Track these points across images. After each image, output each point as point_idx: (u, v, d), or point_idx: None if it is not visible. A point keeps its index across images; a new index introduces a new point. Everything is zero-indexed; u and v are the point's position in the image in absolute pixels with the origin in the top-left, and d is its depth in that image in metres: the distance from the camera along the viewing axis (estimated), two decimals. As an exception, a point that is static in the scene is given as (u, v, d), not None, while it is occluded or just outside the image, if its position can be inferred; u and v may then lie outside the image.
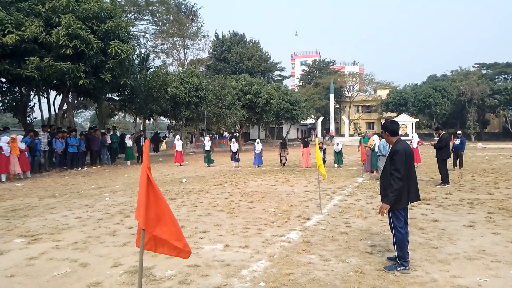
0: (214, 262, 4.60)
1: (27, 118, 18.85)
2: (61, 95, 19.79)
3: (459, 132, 16.11)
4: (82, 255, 4.98)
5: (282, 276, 4.10)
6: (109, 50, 16.22)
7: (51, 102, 21.28)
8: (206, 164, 18.15)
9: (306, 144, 16.65)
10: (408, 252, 4.30)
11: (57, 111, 20.73)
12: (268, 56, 54.63)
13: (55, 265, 4.61)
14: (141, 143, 20.48)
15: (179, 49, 47.13)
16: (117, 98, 24.73)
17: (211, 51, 53.20)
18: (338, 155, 16.58)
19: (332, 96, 51.21)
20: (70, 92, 19.50)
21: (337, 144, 16.86)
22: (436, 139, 11.55)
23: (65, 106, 20.40)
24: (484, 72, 60.88)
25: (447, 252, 4.84)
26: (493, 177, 12.35)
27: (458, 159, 14.95)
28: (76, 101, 23.21)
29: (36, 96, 20.53)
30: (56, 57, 15.24)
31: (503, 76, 61.48)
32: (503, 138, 51.92)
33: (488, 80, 53.83)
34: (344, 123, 54.36)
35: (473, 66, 62.34)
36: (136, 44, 21.79)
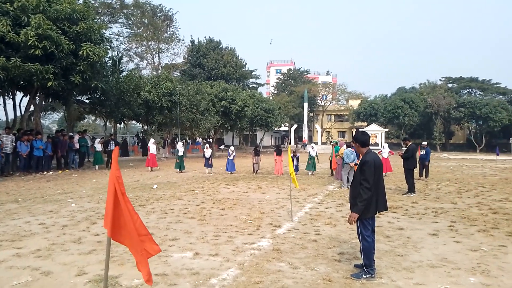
0: (183, 270, 4.54)
1: (-10, 119, 18.07)
2: (28, 97, 19.07)
3: (424, 142, 16.75)
4: (44, 263, 4.79)
5: (251, 284, 4.10)
6: (80, 52, 15.81)
7: (17, 103, 20.47)
8: (178, 170, 17.94)
9: (279, 152, 16.79)
10: (374, 260, 4.40)
11: (23, 113, 19.94)
12: (244, 63, 54.94)
13: (15, 273, 4.41)
14: (110, 147, 20.04)
15: (154, 53, 46.62)
16: (87, 101, 24.09)
17: (186, 56, 52.90)
18: (313, 160, 16.78)
19: (305, 104, 52.00)
20: (38, 94, 18.82)
21: (312, 148, 17.11)
22: (404, 149, 11.95)
23: (31, 108, 19.65)
24: (450, 85, 63.72)
25: (412, 260, 5.00)
26: (457, 186, 12.87)
27: (424, 169, 15.50)
28: (43, 103, 22.37)
29: (1, 97, 19.70)
30: (24, 57, 14.71)
31: (468, 90, 64.49)
32: (466, 149, 54.33)
33: (453, 93, 56.36)
34: (317, 131, 55.25)
35: (440, 80, 65.19)
36: (108, 47, 21.37)
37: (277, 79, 70.59)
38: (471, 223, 7.20)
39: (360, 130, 5.98)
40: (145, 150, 28.90)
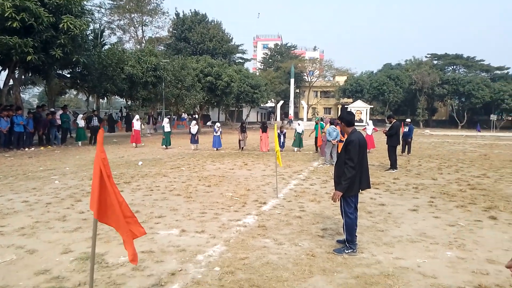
0: (169, 247, 4.60)
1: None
2: (7, 71, 18.42)
3: (408, 120, 17.01)
4: (29, 241, 4.78)
5: (237, 260, 4.19)
6: (60, 25, 15.24)
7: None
8: (164, 146, 17.83)
9: (264, 129, 16.80)
10: (356, 236, 4.54)
11: (1, 87, 19.30)
12: (230, 37, 53.95)
13: (0, 252, 4.40)
14: (93, 123, 19.66)
15: (137, 26, 45.29)
16: (68, 76, 23.44)
17: (171, 29, 51.55)
18: (299, 136, 16.88)
19: (292, 80, 51.83)
20: (17, 68, 18.18)
21: (299, 124, 17.19)
22: (388, 126, 12.11)
23: (11, 82, 19.02)
24: (435, 62, 64.23)
25: (392, 235, 5.17)
26: (438, 163, 13.21)
27: (406, 146, 15.80)
28: (23, 77, 21.66)
29: (-22, 71, 19.00)
30: (1, 30, 14.09)
31: (452, 67, 65.20)
32: (448, 126, 55.47)
33: (438, 70, 56.91)
34: (303, 107, 55.36)
35: (426, 56, 65.63)
36: (90, 19, 20.59)
37: (264, 54, 69.84)
38: (450, 198, 7.44)
39: (346, 109, 6.03)
40: (129, 126, 28.57)
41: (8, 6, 13.67)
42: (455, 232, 5.29)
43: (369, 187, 4.75)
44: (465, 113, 54.78)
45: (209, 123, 44.43)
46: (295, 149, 16.98)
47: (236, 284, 3.60)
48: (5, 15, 13.68)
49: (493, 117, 42.50)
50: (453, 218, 6.00)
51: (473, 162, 13.53)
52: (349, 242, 4.46)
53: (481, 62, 62.79)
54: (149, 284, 3.61)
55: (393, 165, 11.24)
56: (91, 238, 4.67)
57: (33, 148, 16.27)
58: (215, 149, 17.15)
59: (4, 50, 14.50)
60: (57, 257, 4.26)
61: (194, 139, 17.40)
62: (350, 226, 4.46)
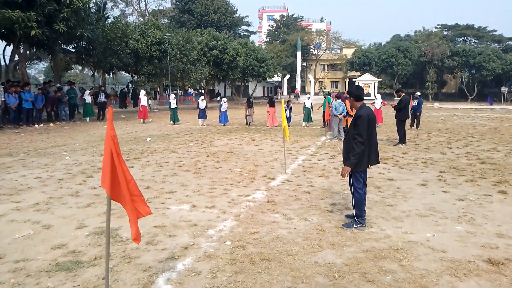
0: (181, 222, 4.69)
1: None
2: (11, 46, 18.33)
3: (417, 93, 16.76)
4: (44, 216, 4.90)
5: (247, 235, 4.27)
6: (62, -2, 15.01)
7: (0, 53, 19.71)
8: (171, 122, 17.85)
9: (272, 104, 16.68)
10: (365, 211, 4.58)
11: (7, 63, 19.27)
12: (235, 9, 52.81)
13: (17, 227, 4.52)
14: (101, 99, 19.66)
15: (140, -3, 44.36)
16: (73, 50, 23.28)
17: (174, 1, 50.52)
18: (308, 111, 16.79)
19: (299, 54, 50.95)
20: (22, 43, 18.06)
21: (308, 99, 17.07)
22: (397, 100, 11.96)
23: (16, 58, 18.97)
24: (445, 33, 62.53)
25: (401, 209, 5.20)
26: (447, 137, 13.10)
27: (415, 119, 15.65)
28: (28, 52, 21.57)
29: (-17, 46, 18.93)
30: (3, 3, 13.91)
31: (463, 38, 63.48)
32: (458, 99, 54.58)
33: (448, 42, 55.44)
34: (310, 81, 54.66)
35: (436, 27, 63.90)
36: (92, -9, 20.23)
37: (269, 26, 68.35)
38: (459, 173, 7.42)
39: (354, 83, 5.92)
40: (135, 102, 28.52)
41: (9, -21, 13.46)
42: (465, 207, 5.30)
43: (378, 162, 4.73)
44: (475, 86, 53.70)
45: (219, 98, 44.27)
46: (303, 124, 16.91)
47: (247, 258, 3.68)
48: (6, -12, 13.50)
49: (504, 89, 41.60)
50: (462, 193, 6.01)
51: (482, 136, 13.40)
52: (358, 217, 4.50)
53: (493, 33, 60.97)
54: (163, 258, 3.70)
55: (402, 140, 11.18)
56: (104, 213, 4.78)
57: (42, 124, 16.40)
58: (222, 124, 17.14)
59: (8, 25, 14.38)
60: (72, 232, 4.37)
61: (202, 114, 17.38)
62: (359, 201, 4.49)
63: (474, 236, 4.26)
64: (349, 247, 3.95)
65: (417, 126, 15.69)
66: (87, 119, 18.87)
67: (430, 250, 3.87)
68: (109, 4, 38.78)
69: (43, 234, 4.31)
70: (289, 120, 16.59)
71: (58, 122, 17.50)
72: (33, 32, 14.71)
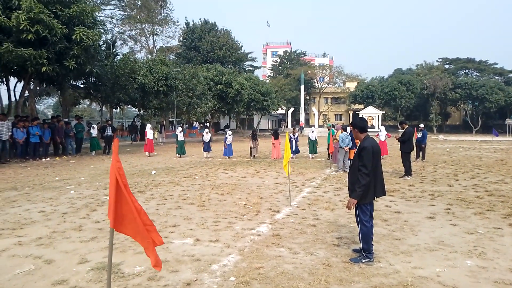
0: (184, 257, 4.60)
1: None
2: (22, 82, 18.85)
3: (421, 125, 16.78)
4: (46, 251, 4.83)
5: (252, 270, 4.16)
6: (73, 36, 15.57)
7: (11, 89, 20.24)
8: (177, 154, 17.95)
9: (276, 136, 16.79)
10: (372, 244, 4.47)
11: (17, 99, 19.74)
12: (240, 45, 54.36)
13: (18, 262, 4.45)
14: (107, 133, 19.90)
15: (148, 35, 45.98)
16: (82, 86, 23.87)
17: (181, 39, 52.23)
18: (313, 143, 16.84)
19: (302, 87, 51.78)
20: (32, 79, 18.58)
21: (312, 131, 17.15)
22: (401, 131, 11.97)
23: (26, 94, 19.45)
24: (447, 66, 63.54)
25: (409, 243, 5.07)
26: (453, 169, 12.98)
27: (420, 152, 15.59)
28: (38, 88, 22.13)
29: (-5, 83, 19.49)
30: (17, 42, 14.45)
31: (464, 71, 64.35)
32: (463, 131, 54.61)
33: (450, 75, 56.26)
34: (314, 114, 55.17)
35: (437, 61, 64.98)
36: (102, 30, 21.03)
37: (273, 61, 70.04)
38: (467, 205, 7.29)
39: (358, 115, 5.97)
40: (143, 136, 28.81)
41: (23, 18, 14.03)
42: (474, 240, 5.17)
43: (384, 194, 4.68)
44: (479, 118, 53.85)
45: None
46: (310, 156, 16.94)
47: (252, 295, 3.57)
48: (20, 27, 14.04)
49: (509, 121, 41.59)
50: (471, 226, 5.87)
51: (489, 167, 13.27)
52: (365, 251, 4.39)
53: (494, 66, 61.83)
54: (165, 295, 3.60)
55: (408, 172, 11.09)
56: (107, 247, 4.71)
57: (48, 158, 16.54)
58: (226, 157, 17.17)
59: (20, 62, 14.84)
60: (74, 267, 4.29)
61: (207, 147, 17.48)
62: (366, 235, 4.40)
63: (486, 271, 4.12)
64: (357, 283, 3.83)
65: (423, 158, 15.61)
66: (93, 152, 19.02)
67: (441, 286, 3.74)
68: (119, 42, 40.24)
69: (44, 270, 4.23)
70: (297, 150, 16.66)
71: (65, 156, 17.64)
72: (44, 69, 15.16)
